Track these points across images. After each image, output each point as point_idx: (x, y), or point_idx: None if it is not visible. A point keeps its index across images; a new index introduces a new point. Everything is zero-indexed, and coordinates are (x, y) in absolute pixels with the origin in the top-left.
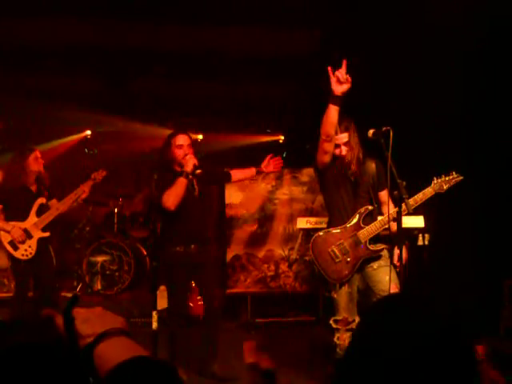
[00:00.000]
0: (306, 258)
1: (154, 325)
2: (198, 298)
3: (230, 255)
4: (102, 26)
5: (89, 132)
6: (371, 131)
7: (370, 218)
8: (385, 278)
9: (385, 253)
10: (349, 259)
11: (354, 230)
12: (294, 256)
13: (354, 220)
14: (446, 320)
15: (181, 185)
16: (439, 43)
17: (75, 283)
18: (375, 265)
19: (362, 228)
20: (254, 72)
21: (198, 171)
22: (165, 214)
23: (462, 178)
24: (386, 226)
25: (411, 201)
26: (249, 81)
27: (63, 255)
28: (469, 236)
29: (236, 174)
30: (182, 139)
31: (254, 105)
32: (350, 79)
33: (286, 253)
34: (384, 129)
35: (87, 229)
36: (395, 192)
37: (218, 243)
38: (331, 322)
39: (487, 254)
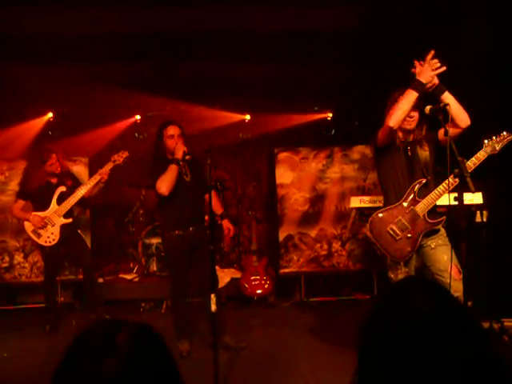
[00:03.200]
0: (359, 237)
1: (213, 307)
2: (252, 278)
3: (282, 235)
4: (147, 13)
5: (138, 116)
6: (428, 107)
7: (425, 190)
8: (443, 257)
9: (442, 231)
10: (409, 235)
11: (410, 205)
12: (346, 234)
13: (410, 195)
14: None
15: (172, 171)
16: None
17: (131, 265)
18: (433, 244)
19: (419, 202)
20: (301, 50)
21: (188, 157)
22: (160, 200)
23: (471, 191)
24: (443, 196)
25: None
26: (295, 59)
27: (119, 239)
28: None
29: None
30: (172, 130)
31: (301, 83)
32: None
33: (339, 231)
34: (442, 104)
35: (141, 212)
36: (456, 170)
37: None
38: None
39: None
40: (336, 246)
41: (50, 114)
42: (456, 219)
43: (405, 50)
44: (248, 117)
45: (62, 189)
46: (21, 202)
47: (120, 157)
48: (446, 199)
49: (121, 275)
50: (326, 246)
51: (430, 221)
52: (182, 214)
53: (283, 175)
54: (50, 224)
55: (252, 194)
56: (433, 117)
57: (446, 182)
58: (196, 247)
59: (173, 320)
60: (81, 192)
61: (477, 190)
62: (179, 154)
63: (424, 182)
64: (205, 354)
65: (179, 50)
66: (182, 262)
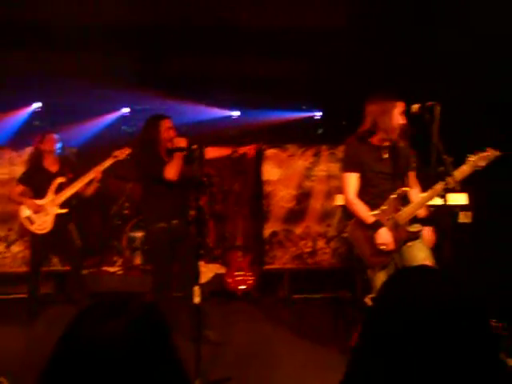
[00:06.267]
0: (344, 235)
1: (197, 299)
2: (236, 273)
3: (267, 232)
4: (139, 4)
5: (127, 109)
6: (416, 106)
7: (406, 199)
8: (419, 254)
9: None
10: None
11: (391, 212)
12: (331, 233)
13: (392, 202)
14: (458, 293)
15: (179, 158)
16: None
17: (115, 258)
18: (410, 242)
19: (400, 210)
20: (292, 48)
21: (195, 146)
22: (145, 192)
23: (498, 153)
24: (424, 206)
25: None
26: (286, 57)
27: (103, 231)
28: None
29: (210, 151)
30: (170, 122)
31: (291, 81)
32: None
33: (324, 229)
34: (429, 104)
35: (126, 205)
36: (441, 168)
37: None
38: (366, 299)
39: None
40: (321, 243)
41: (38, 104)
42: (440, 219)
43: (393, 52)
44: (237, 113)
45: (62, 180)
46: (20, 187)
47: (122, 153)
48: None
49: (104, 268)
50: (310, 244)
51: (409, 230)
52: (166, 207)
53: (270, 172)
54: (44, 212)
55: (238, 190)
56: (420, 116)
57: (428, 192)
58: (179, 241)
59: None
60: (76, 186)
61: (462, 191)
62: (184, 143)
63: (406, 190)
64: (187, 347)
65: (169, 43)
66: (164, 256)
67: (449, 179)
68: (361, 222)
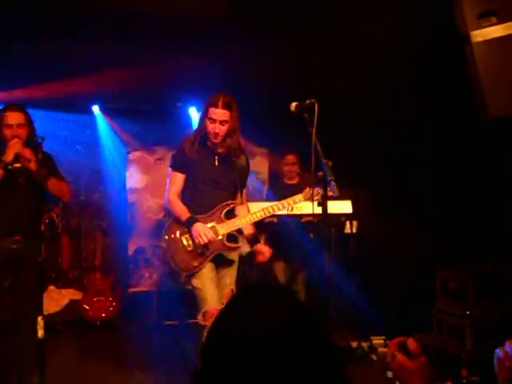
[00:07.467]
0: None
1: (41, 332)
2: (96, 299)
3: (131, 248)
4: None
5: None
6: (294, 104)
7: (232, 212)
8: (226, 280)
9: (236, 264)
10: (199, 251)
11: (213, 221)
12: None
13: (216, 211)
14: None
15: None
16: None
17: None
18: (224, 269)
19: (223, 222)
20: (167, 41)
21: (17, 165)
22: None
23: (335, 195)
24: (248, 224)
25: (281, 204)
26: (160, 50)
27: None
28: (399, 224)
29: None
30: (12, 117)
31: (165, 75)
32: None
33: None
34: (308, 102)
35: None
36: (320, 173)
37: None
38: (199, 317)
39: (419, 242)
40: None
41: None
42: (322, 229)
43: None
44: (96, 108)
45: None
46: None
47: None
48: (310, 207)
49: None
50: None
51: (226, 244)
52: (3, 220)
53: (135, 178)
54: None
55: (98, 201)
56: (298, 114)
57: (260, 212)
58: (19, 262)
59: None
60: None
61: (346, 198)
62: (9, 156)
63: (234, 203)
64: None
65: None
66: None
67: (334, 185)
68: (178, 223)
